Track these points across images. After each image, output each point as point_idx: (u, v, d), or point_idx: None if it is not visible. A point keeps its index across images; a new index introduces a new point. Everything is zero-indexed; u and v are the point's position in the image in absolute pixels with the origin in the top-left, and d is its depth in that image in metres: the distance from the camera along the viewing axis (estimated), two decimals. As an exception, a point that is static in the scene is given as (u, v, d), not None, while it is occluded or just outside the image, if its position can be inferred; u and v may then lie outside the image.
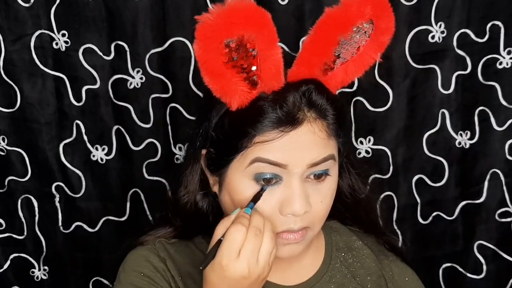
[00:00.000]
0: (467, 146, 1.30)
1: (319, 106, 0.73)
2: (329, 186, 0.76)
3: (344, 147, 0.79)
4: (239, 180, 0.74)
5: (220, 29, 0.67)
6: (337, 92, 0.79)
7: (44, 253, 1.34)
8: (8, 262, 1.35)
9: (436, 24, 1.22)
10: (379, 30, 0.75)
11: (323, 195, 0.75)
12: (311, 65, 0.74)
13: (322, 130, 0.73)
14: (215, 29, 0.66)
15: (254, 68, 0.70)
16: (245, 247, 0.67)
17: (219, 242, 0.68)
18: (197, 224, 0.83)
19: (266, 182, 0.72)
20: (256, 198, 0.72)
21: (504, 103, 1.26)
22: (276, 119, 0.71)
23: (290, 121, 0.71)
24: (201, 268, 0.69)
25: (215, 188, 0.79)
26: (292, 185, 0.72)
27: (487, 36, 1.23)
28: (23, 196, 1.31)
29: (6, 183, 1.30)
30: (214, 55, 0.68)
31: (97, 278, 1.35)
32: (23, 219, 1.32)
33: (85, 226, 1.32)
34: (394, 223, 1.33)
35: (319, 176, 0.74)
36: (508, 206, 1.32)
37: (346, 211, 0.89)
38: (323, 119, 0.73)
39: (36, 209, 1.32)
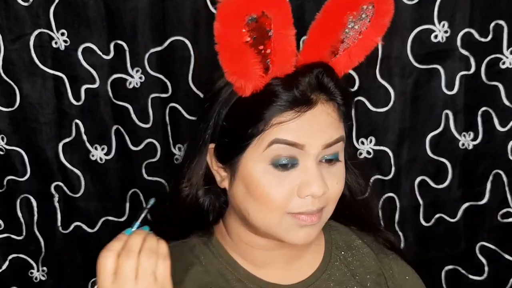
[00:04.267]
0: (470, 147, 1.29)
1: (330, 89, 0.74)
2: (340, 169, 0.77)
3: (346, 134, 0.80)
4: (256, 165, 0.73)
5: (243, 5, 0.68)
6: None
7: (43, 254, 1.34)
8: (7, 263, 1.35)
9: (439, 24, 1.21)
10: (379, 13, 0.76)
11: (338, 177, 0.76)
12: (320, 48, 0.75)
13: (335, 111, 0.75)
14: (237, 5, 0.68)
15: (269, 51, 0.71)
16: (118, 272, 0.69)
17: None
18: (195, 221, 0.82)
19: (282, 168, 0.73)
20: (140, 216, 0.74)
21: (507, 103, 1.25)
22: (292, 99, 0.72)
23: (305, 101, 0.72)
24: None
25: (224, 184, 0.79)
26: (309, 168, 0.73)
27: (490, 36, 1.22)
28: (22, 196, 1.30)
29: (5, 183, 1.30)
30: (235, 33, 0.69)
31: (96, 279, 1.34)
32: (22, 219, 1.32)
33: (84, 226, 1.32)
34: (396, 225, 1.32)
35: (330, 161, 0.75)
36: (510, 207, 1.31)
37: (342, 208, 0.88)
38: (333, 101, 0.75)
39: (35, 209, 1.31)
